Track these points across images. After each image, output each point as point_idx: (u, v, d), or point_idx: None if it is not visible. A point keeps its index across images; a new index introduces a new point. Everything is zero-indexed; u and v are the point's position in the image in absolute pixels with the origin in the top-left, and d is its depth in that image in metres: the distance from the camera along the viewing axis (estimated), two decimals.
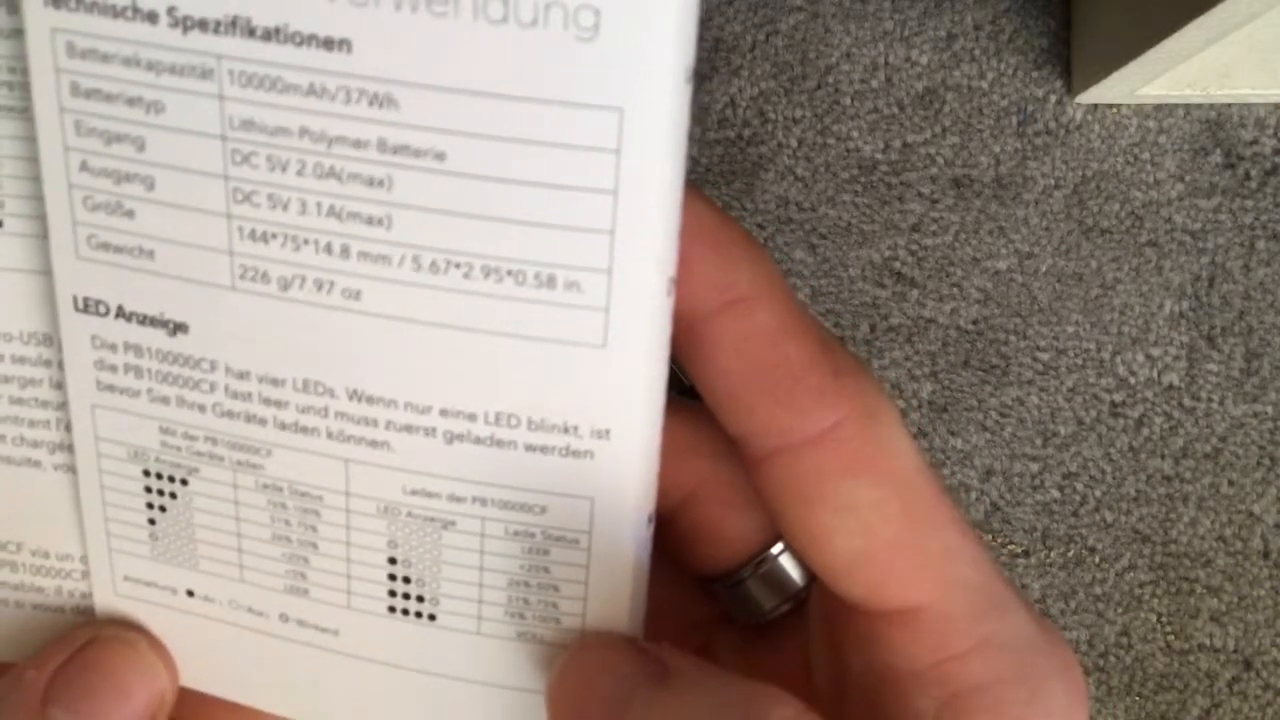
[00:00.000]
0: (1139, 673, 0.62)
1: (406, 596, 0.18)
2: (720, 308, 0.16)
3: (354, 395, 0.16)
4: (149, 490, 0.18)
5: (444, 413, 0.16)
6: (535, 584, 0.17)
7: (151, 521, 0.18)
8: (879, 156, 0.62)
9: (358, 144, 0.15)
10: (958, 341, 0.63)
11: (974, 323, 0.63)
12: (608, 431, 0.16)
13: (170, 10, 0.15)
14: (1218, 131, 0.63)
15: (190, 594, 0.19)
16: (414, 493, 0.17)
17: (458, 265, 0.15)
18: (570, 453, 0.16)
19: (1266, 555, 0.63)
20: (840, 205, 0.62)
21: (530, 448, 0.16)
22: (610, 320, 0.15)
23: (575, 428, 0.16)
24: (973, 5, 0.62)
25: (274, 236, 0.16)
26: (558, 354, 0.15)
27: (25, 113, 0.16)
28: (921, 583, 0.16)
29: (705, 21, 0.62)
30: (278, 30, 0.15)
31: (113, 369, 0.17)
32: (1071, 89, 0.62)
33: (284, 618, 0.18)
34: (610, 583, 0.17)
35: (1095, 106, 0.63)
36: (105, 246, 0.16)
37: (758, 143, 0.62)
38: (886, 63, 0.62)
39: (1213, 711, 0.62)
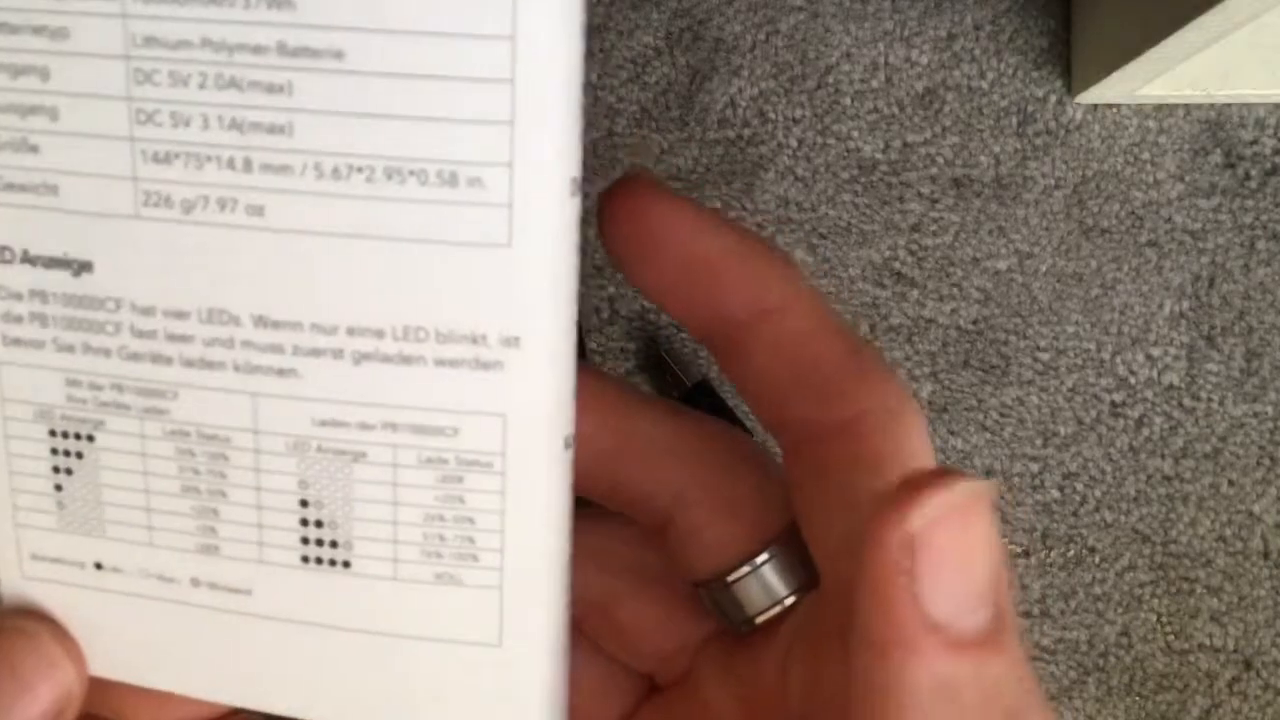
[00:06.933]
0: (1139, 673, 0.62)
1: (320, 543, 0.17)
2: (754, 318, 0.17)
3: (259, 321, 0.16)
4: (55, 452, 0.17)
5: (351, 331, 0.16)
6: (450, 517, 0.17)
7: (58, 488, 0.18)
8: (879, 156, 0.62)
9: (258, 49, 0.15)
10: (958, 341, 0.62)
11: (974, 323, 0.63)
12: (517, 339, 0.16)
13: None
14: (1218, 131, 0.63)
15: (99, 566, 0.18)
16: (323, 424, 0.17)
17: (359, 169, 0.15)
18: (480, 364, 0.16)
19: (1266, 555, 0.62)
20: (840, 205, 0.62)
21: (440, 362, 0.16)
22: (514, 217, 0.15)
23: (484, 336, 0.16)
24: (973, 5, 0.62)
25: (176, 156, 0.15)
26: (463, 257, 0.15)
27: None
28: None
29: (705, 21, 0.62)
30: None
31: (18, 320, 0.17)
32: (1071, 89, 0.62)
33: (195, 582, 0.18)
34: (528, 513, 0.16)
35: (1095, 106, 0.63)
36: (10, 186, 0.16)
37: (758, 143, 0.62)
38: (886, 63, 0.62)
39: (1213, 711, 0.62)
